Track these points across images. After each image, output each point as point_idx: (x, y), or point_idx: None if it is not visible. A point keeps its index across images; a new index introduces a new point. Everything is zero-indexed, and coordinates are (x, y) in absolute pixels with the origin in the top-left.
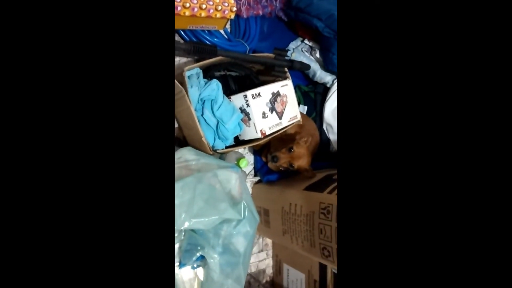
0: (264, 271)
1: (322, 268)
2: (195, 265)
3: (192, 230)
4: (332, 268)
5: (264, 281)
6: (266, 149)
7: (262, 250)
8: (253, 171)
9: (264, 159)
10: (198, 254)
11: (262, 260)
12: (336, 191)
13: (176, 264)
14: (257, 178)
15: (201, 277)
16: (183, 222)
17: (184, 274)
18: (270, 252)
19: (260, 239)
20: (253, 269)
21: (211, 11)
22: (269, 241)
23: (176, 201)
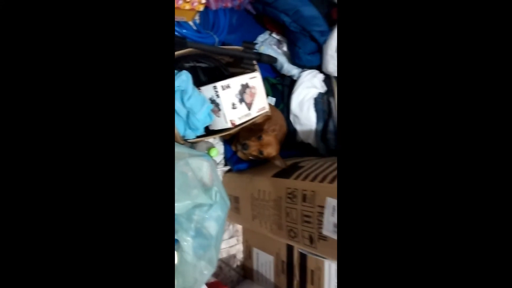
0: (234, 256)
1: (290, 250)
2: None
3: None
4: (298, 248)
5: (235, 265)
6: (236, 139)
7: (232, 236)
8: (223, 160)
9: (234, 148)
10: None
11: (232, 245)
12: (301, 177)
13: None
14: (228, 167)
15: (175, 260)
16: None
17: None
18: (241, 238)
19: (231, 226)
20: (224, 254)
21: (180, 2)
22: (239, 227)
23: None
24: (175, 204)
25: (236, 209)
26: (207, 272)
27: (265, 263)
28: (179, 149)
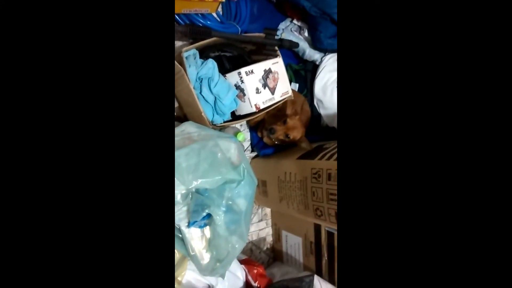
0: (264, 239)
1: (317, 230)
2: (202, 224)
3: (198, 193)
4: (325, 227)
5: (265, 248)
6: (262, 126)
7: (262, 220)
8: (250, 146)
9: (259, 134)
10: (204, 213)
11: (262, 229)
12: (326, 157)
13: (185, 224)
14: (254, 153)
15: (208, 235)
16: (191, 181)
17: (193, 233)
18: (269, 221)
19: (260, 210)
20: (254, 237)
21: None
22: (268, 211)
23: (183, 164)
24: (207, 180)
25: (264, 192)
26: (238, 246)
27: (294, 244)
28: (208, 132)
